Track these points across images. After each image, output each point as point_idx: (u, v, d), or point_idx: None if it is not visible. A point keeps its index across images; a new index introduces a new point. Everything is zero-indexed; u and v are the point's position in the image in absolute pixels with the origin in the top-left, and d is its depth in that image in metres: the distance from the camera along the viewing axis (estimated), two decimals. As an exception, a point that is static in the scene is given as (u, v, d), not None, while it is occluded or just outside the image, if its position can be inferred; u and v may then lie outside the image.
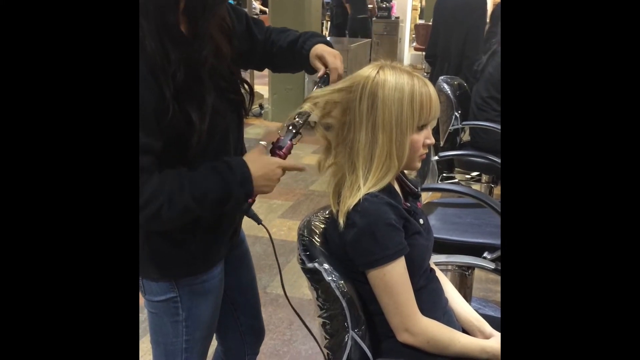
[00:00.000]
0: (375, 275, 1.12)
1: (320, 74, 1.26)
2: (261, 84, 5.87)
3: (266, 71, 4.92)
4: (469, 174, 3.51)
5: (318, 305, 1.20)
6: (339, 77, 1.24)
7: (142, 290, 1.20)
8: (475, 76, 3.14)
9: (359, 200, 1.12)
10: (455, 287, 1.38)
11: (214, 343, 1.43)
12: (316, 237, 1.21)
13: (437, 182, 2.75)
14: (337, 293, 1.15)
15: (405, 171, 1.29)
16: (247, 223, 1.35)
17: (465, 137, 3.12)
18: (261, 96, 5.83)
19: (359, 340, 1.16)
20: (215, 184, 1.06)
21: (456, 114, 2.82)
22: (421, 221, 1.22)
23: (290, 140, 1.16)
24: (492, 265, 1.68)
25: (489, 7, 4.44)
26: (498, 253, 1.79)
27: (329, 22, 8.95)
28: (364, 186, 1.13)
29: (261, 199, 1.17)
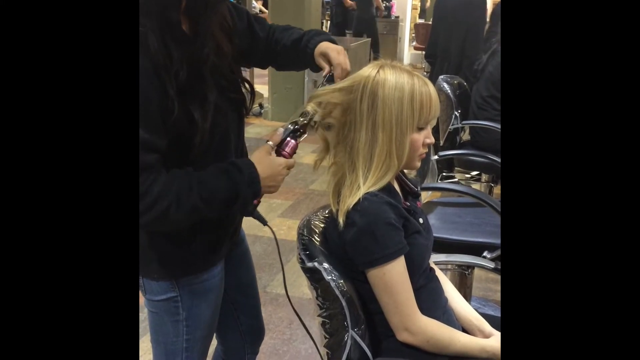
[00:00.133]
0: (375, 275, 1.12)
1: (325, 72, 1.25)
2: (261, 83, 5.87)
3: (266, 70, 4.88)
4: (468, 173, 3.51)
5: (318, 305, 1.20)
6: (344, 73, 1.24)
7: (143, 289, 1.20)
8: (476, 75, 3.14)
9: (359, 199, 1.12)
10: (455, 286, 1.38)
11: (214, 342, 1.43)
12: (316, 237, 1.22)
13: (437, 181, 2.75)
14: (337, 292, 1.15)
15: (405, 170, 1.29)
16: (246, 222, 1.35)
17: (465, 136, 3.12)
18: (261, 95, 5.83)
19: (358, 339, 1.16)
20: (224, 184, 1.06)
21: (456, 113, 2.82)
22: (421, 220, 1.22)
23: (295, 140, 1.16)
24: (491, 265, 1.68)
25: (489, 7, 4.44)
26: (498, 252, 1.79)
27: (328, 22, 8.95)
28: (363, 185, 1.13)
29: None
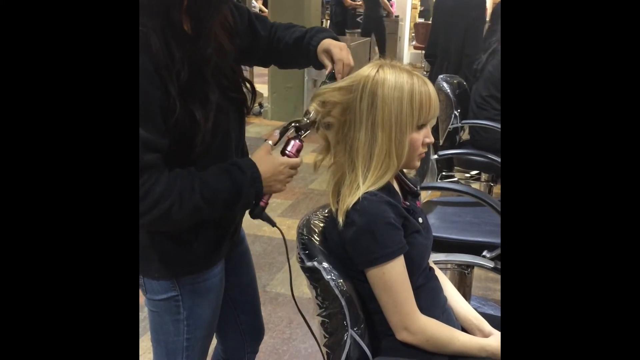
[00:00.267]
0: (375, 274, 1.12)
1: (328, 70, 1.25)
2: (261, 82, 5.87)
3: (266, 69, 4.88)
4: (468, 173, 3.51)
5: (317, 304, 1.20)
6: (347, 69, 1.24)
7: (144, 289, 1.20)
8: (475, 75, 3.14)
9: (359, 199, 1.12)
10: (455, 285, 1.38)
11: (214, 342, 1.43)
12: (315, 236, 1.22)
13: (437, 180, 2.75)
14: (336, 292, 1.15)
15: (405, 170, 1.29)
16: (246, 222, 1.35)
17: (465, 135, 3.12)
18: (261, 95, 5.83)
19: (358, 338, 1.16)
20: (226, 184, 1.06)
21: (456, 112, 2.82)
22: (420, 220, 1.22)
23: (299, 139, 1.16)
24: (491, 264, 1.68)
25: (489, 6, 4.44)
26: (497, 252, 1.80)
27: (328, 21, 8.95)
28: (363, 185, 1.13)
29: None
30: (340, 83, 1.18)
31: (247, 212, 1.27)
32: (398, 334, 1.15)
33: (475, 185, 3.25)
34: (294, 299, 1.19)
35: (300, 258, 1.20)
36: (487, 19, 4.27)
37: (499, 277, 2.09)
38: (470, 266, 1.90)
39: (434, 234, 1.31)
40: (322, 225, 1.24)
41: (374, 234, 1.10)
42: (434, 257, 1.64)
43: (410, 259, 1.14)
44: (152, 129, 0.97)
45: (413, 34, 9.78)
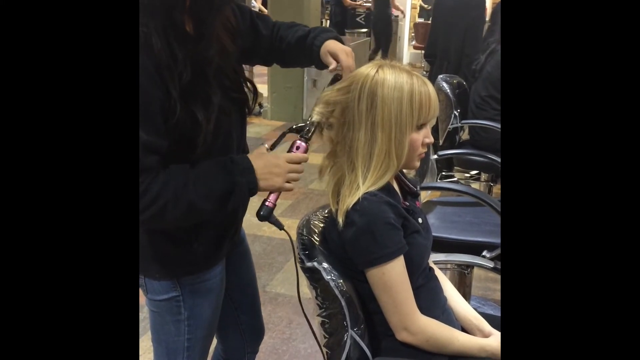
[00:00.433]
0: (374, 274, 1.12)
1: (331, 67, 1.23)
2: (260, 82, 5.87)
3: (265, 69, 4.87)
4: (468, 173, 3.51)
5: (317, 304, 1.20)
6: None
7: (145, 289, 1.20)
8: (474, 75, 3.14)
9: (358, 199, 1.12)
10: (455, 285, 1.38)
11: (214, 342, 1.43)
12: (315, 236, 1.21)
13: (436, 180, 2.75)
14: (336, 292, 1.15)
15: (404, 170, 1.29)
16: (246, 222, 1.35)
17: (465, 135, 3.12)
18: (260, 95, 5.83)
19: (358, 339, 1.16)
20: (218, 176, 1.05)
21: (455, 112, 2.82)
22: (420, 220, 1.22)
23: (304, 141, 1.15)
24: (491, 264, 1.68)
25: (489, 6, 4.44)
26: (497, 252, 1.80)
27: (328, 21, 8.94)
28: (363, 185, 1.13)
29: (260, 197, 1.15)
30: (339, 84, 1.18)
31: (248, 213, 1.27)
32: (398, 334, 1.15)
33: (475, 185, 3.26)
34: (300, 301, 1.19)
35: (300, 258, 1.20)
36: (487, 18, 4.27)
37: (498, 277, 2.09)
38: (470, 266, 1.90)
39: (433, 234, 1.31)
40: (322, 225, 1.24)
41: (374, 234, 1.10)
42: (434, 257, 1.64)
43: (410, 259, 1.14)
44: (151, 130, 0.97)
45: (413, 34, 9.78)
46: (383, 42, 7.99)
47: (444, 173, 3.25)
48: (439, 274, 1.33)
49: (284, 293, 2.52)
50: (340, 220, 1.13)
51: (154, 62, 0.97)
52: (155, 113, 0.98)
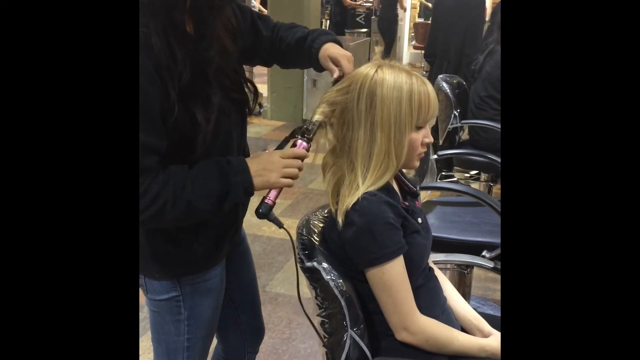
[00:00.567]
0: (374, 274, 1.12)
1: (335, 76, 1.22)
2: (260, 82, 5.87)
3: (265, 69, 4.87)
4: (468, 173, 3.51)
5: (317, 304, 1.20)
6: None
7: (145, 289, 1.21)
8: (473, 75, 3.14)
9: (358, 199, 1.12)
10: (454, 285, 1.38)
11: (214, 342, 1.43)
12: (315, 236, 1.22)
13: (436, 180, 2.75)
14: (336, 292, 1.15)
15: (404, 170, 1.29)
16: (246, 222, 1.35)
17: (464, 135, 3.12)
18: (260, 95, 5.82)
19: (357, 339, 1.16)
20: (214, 175, 1.05)
21: (455, 112, 2.82)
22: (420, 220, 1.22)
23: (306, 141, 1.14)
24: (490, 264, 1.68)
25: (489, 6, 4.44)
26: (497, 252, 1.80)
27: (327, 21, 8.95)
28: (362, 185, 1.13)
29: (261, 197, 1.14)
30: (339, 84, 1.18)
31: (248, 213, 1.27)
32: (398, 334, 1.15)
33: (475, 185, 3.26)
34: (300, 301, 1.19)
35: (300, 258, 1.20)
36: (487, 18, 4.27)
37: (498, 277, 2.09)
38: (469, 266, 1.90)
39: (433, 234, 1.31)
40: (321, 225, 1.24)
41: (374, 234, 1.10)
42: (434, 257, 1.65)
43: (410, 259, 1.14)
44: (151, 130, 0.97)
45: (412, 34, 9.78)
46: (386, 41, 7.99)
47: (443, 173, 3.25)
48: (438, 274, 1.33)
49: (284, 293, 2.52)
50: (340, 220, 1.13)
51: (154, 62, 0.97)
52: (154, 113, 0.98)
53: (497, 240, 1.85)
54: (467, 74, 3.58)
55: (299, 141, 1.14)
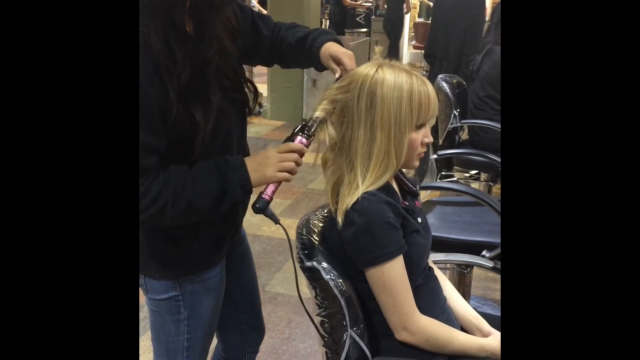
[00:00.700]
0: (374, 274, 1.12)
1: (337, 75, 1.22)
2: (260, 82, 5.87)
3: (265, 69, 4.87)
4: (467, 172, 3.51)
5: (317, 304, 1.20)
6: None
7: (144, 288, 1.21)
8: (471, 76, 3.14)
9: (358, 198, 1.12)
10: (454, 285, 1.38)
11: (214, 341, 1.43)
12: (315, 236, 1.21)
13: (436, 180, 2.75)
14: (336, 291, 1.15)
15: (404, 170, 1.29)
16: (246, 222, 1.35)
17: (464, 135, 3.12)
18: (260, 94, 5.82)
19: (357, 338, 1.16)
20: (213, 174, 1.05)
21: (455, 112, 2.82)
22: (419, 220, 1.22)
23: (306, 137, 1.13)
24: (490, 264, 1.68)
25: (488, 6, 4.44)
26: (497, 251, 1.80)
27: (327, 21, 8.95)
28: (362, 185, 1.13)
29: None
30: (338, 83, 1.18)
31: (247, 213, 1.27)
32: (397, 333, 1.15)
33: (475, 185, 3.26)
34: (300, 298, 1.19)
35: (300, 258, 1.20)
36: (487, 18, 4.27)
37: (498, 276, 2.09)
38: (469, 266, 1.90)
39: (433, 233, 1.31)
40: (321, 225, 1.24)
41: (373, 233, 1.10)
42: (433, 256, 1.64)
43: (410, 259, 1.14)
44: (150, 131, 0.97)
45: (412, 34, 9.77)
46: (391, 42, 7.98)
47: (443, 173, 3.26)
48: (438, 273, 1.33)
49: (284, 293, 2.52)
50: (340, 219, 1.13)
51: (153, 62, 0.97)
52: (154, 113, 0.98)
53: (497, 239, 1.85)
54: (467, 73, 3.58)
55: (298, 137, 1.14)
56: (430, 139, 1.18)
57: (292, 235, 1.23)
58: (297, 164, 1.11)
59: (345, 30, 8.12)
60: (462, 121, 2.89)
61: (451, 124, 2.81)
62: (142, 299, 1.19)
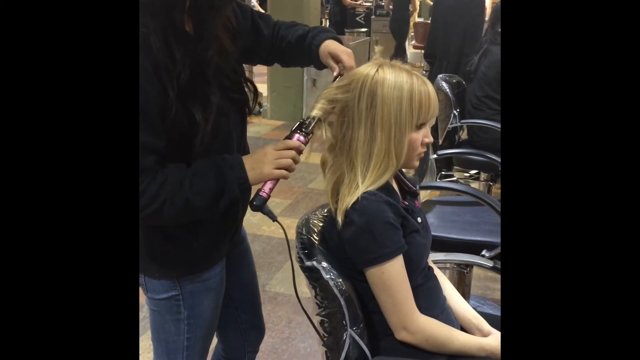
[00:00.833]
0: (374, 274, 1.12)
1: (335, 73, 1.23)
2: (260, 82, 5.87)
3: (265, 69, 4.87)
4: (467, 172, 3.51)
5: (316, 304, 1.20)
6: None
7: (145, 288, 1.21)
8: (469, 76, 3.14)
9: (358, 198, 1.12)
10: (454, 285, 1.38)
11: (214, 341, 1.43)
12: (315, 235, 1.21)
13: (436, 180, 2.76)
14: (336, 291, 1.15)
15: (404, 169, 1.29)
16: (246, 221, 1.35)
17: (464, 135, 3.12)
18: (260, 94, 5.82)
19: (357, 338, 1.16)
20: (210, 171, 1.05)
21: (455, 112, 2.82)
22: (419, 219, 1.22)
23: (304, 135, 1.13)
24: (490, 263, 1.68)
25: (488, 5, 4.44)
26: (496, 251, 1.80)
27: (327, 20, 8.95)
28: (362, 184, 1.13)
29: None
30: (338, 82, 1.18)
31: (247, 212, 1.26)
32: (397, 333, 1.15)
33: (475, 185, 3.26)
34: (298, 297, 1.19)
35: (300, 257, 1.20)
36: (487, 18, 4.27)
37: (498, 276, 2.09)
38: (469, 265, 1.90)
39: (433, 233, 1.31)
40: (321, 224, 1.24)
41: (373, 233, 1.10)
42: (433, 256, 1.64)
43: (409, 259, 1.14)
44: (149, 130, 0.98)
45: (412, 34, 9.77)
46: (397, 42, 7.97)
47: (443, 172, 3.26)
48: (438, 273, 1.33)
49: (284, 292, 2.52)
50: (340, 219, 1.13)
51: (152, 62, 0.97)
52: (153, 113, 0.98)
53: (497, 239, 1.85)
54: (467, 73, 3.58)
55: (296, 135, 1.14)
56: (430, 139, 1.18)
57: (292, 235, 1.23)
58: (295, 161, 1.12)
59: (345, 30, 8.11)
60: (462, 121, 2.89)
61: (451, 124, 2.81)
62: (142, 298, 1.19)
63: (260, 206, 1.10)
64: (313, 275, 1.18)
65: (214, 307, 1.26)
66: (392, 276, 1.11)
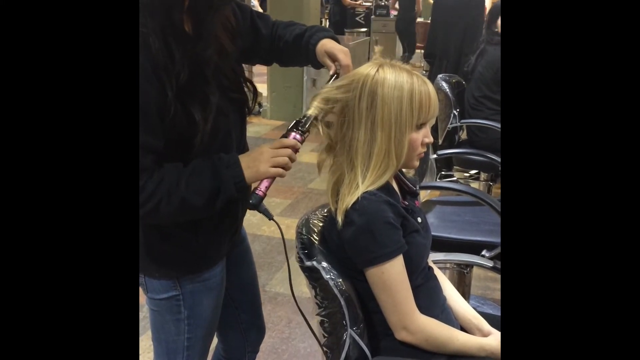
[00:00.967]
0: (374, 274, 1.12)
1: (332, 72, 1.23)
2: (260, 82, 5.87)
3: (265, 69, 4.87)
4: (467, 172, 3.51)
5: (316, 303, 1.20)
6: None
7: (145, 288, 1.21)
8: (467, 77, 3.14)
9: (358, 198, 1.12)
10: (454, 285, 1.38)
11: (215, 341, 1.43)
12: (315, 235, 1.22)
13: (436, 180, 2.76)
14: (336, 291, 1.15)
15: (404, 169, 1.29)
16: (246, 221, 1.35)
17: (464, 135, 3.12)
18: (260, 94, 5.83)
19: (357, 338, 1.16)
20: (207, 170, 1.05)
21: (454, 112, 2.82)
22: (419, 219, 1.22)
23: (300, 134, 1.13)
24: (490, 263, 1.68)
25: (488, 6, 4.44)
26: (496, 251, 1.80)
27: (327, 20, 8.95)
28: (362, 184, 1.13)
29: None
30: (338, 82, 1.18)
31: (247, 212, 1.26)
32: (397, 333, 1.15)
33: (475, 185, 3.26)
34: (294, 298, 1.19)
35: (300, 257, 1.20)
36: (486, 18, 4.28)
37: (498, 276, 2.09)
38: (469, 265, 1.90)
39: (433, 233, 1.31)
40: (321, 224, 1.24)
41: (373, 233, 1.10)
42: (433, 256, 1.64)
43: (409, 259, 1.14)
44: (148, 130, 0.98)
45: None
46: (404, 42, 7.96)
47: (443, 172, 3.26)
48: (438, 273, 1.33)
49: (284, 292, 2.52)
50: (340, 219, 1.13)
51: (151, 62, 0.97)
52: (152, 113, 0.98)
53: (497, 239, 1.85)
54: (465, 74, 3.59)
55: (292, 133, 1.14)
56: (430, 139, 1.18)
57: (292, 234, 1.23)
58: (291, 159, 1.12)
59: (345, 30, 8.10)
60: (462, 121, 2.89)
61: (451, 124, 2.82)
62: (142, 298, 1.19)
63: (257, 204, 1.10)
64: (313, 275, 1.18)
65: (214, 307, 1.26)
66: (392, 276, 1.11)
